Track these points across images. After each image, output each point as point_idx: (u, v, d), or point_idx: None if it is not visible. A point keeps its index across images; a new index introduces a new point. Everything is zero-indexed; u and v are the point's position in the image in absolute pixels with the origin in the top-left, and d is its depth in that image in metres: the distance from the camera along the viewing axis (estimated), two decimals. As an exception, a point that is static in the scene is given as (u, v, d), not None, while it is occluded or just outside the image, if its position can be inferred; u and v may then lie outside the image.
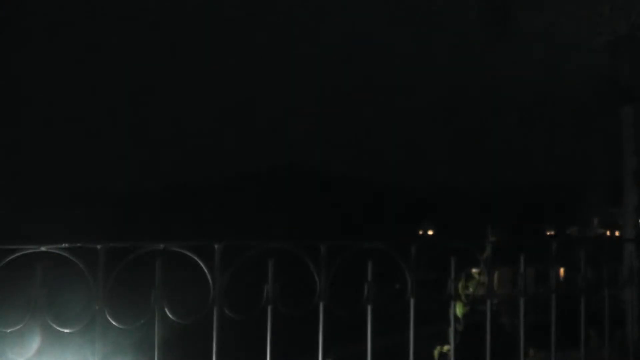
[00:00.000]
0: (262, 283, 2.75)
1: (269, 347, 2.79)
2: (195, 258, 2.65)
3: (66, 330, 2.49)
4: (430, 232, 44.93)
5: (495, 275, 3.47)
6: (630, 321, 7.17)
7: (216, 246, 2.69)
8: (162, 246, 2.63)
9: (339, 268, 2.87)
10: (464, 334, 4.20)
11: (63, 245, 2.51)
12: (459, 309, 4.17)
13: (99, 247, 2.56)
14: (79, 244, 2.53)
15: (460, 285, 4.02)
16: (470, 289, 4.18)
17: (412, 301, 3.01)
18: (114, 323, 2.53)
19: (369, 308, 2.92)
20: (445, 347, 4.29)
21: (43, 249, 2.50)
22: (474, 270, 4.06)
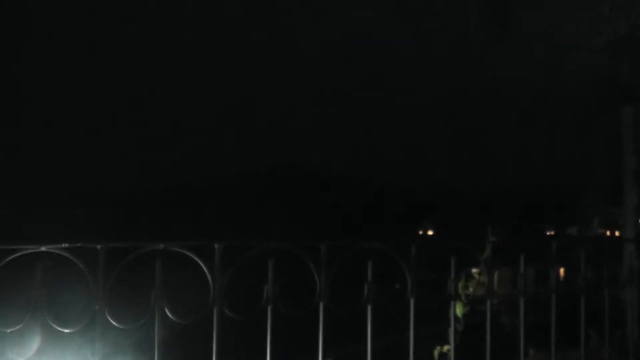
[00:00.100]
0: (262, 283, 2.75)
1: (269, 347, 2.79)
2: (195, 258, 2.65)
3: (66, 330, 2.49)
4: (430, 232, 44.92)
5: (495, 275, 3.47)
6: (630, 321, 7.17)
7: (216, 246, 2.69)
8: (162, 246, 2.63)
9: (339, 268, 2.87)
10: (464, 334, 4.20)
11: (63, 245, 2.51)
12: (459, 309, 4.17)
13: (99, 247, 2.56)
14: (79, 244, 2.53)
15: (460, 285, 4.02)
16: (470, 289, 4.19)
17: (412, 301, 3.01)
18: (114, 323, 2.53)
19: (369, 308, 2.92)
20: (445, 347, 4.29)
21: (43, 249, 2.50)
22: (474, 270, 4.06)
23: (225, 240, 2.71)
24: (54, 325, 2.46)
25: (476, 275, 4.12)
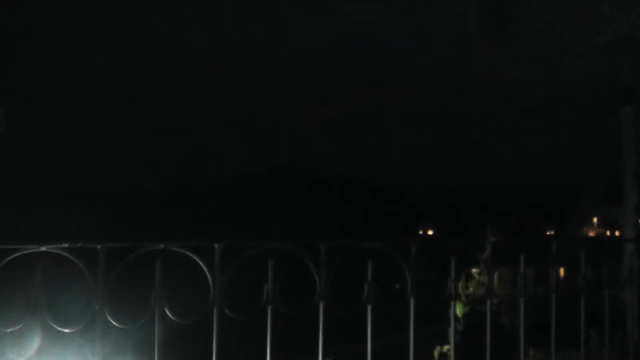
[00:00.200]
0: (262, 283, 2.75)
1: (269, 347, 2.79)
2: (195, 258, 2.65)
3: (66, 330, 2.49)
4: (430, 232, 44.93)
5: (495, 275, 3.47)
6: (630, 321, 7.17)
7: (216, 246, 2.69)
8: (162, 246, 2.63)
9: (339, 268, 2.87)
10: (464, 334, 4.20)
11: (63, 245, 2.51)
12: (459, 309, 4.17)
13: (99, 247, 2.56)
14: (79, 244, 2.53)
15: (460, 285, 4.02)
16: (470, 289, 4.19)
17: (412, 301, 3.01)
18: (114, 323, 2.53)
19: (369, 308, 2.92)
20: (445, 347, 4.29)
21: (43, 249, 2.50)
22: (474, 270, 4.06)
23: (225, 240, 2.71)
24: (54, 325, 2.46)
25: (476, 275, 4.12)
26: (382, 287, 2.92)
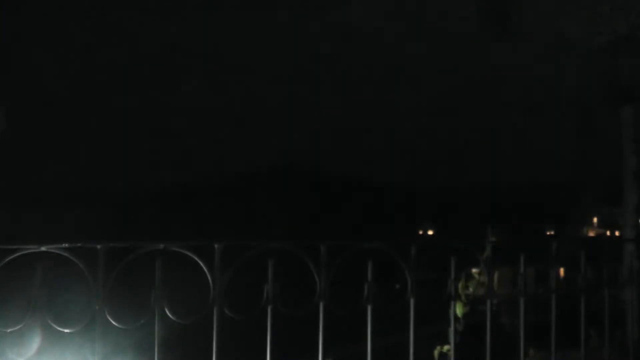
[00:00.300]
0: (262, 283, 2.75)
1: (269, 347, 2.79)
2: (195, 258, 2.65)
3: (66, 330, 2.49)
4: (430, 232, 44.93)
5: (495, 275, 3.47)
6: (630, 321, 7.17)
7: (216, 246, 2.69)
8: (162, 246, 2.63)
9: (339, 268, 2.87)
10: (464, 334, 4.20)
11: (63, 245, 2.51)
12: (459, 309, 4.17)
13: (99, 247, 2.56)
14: (79, 244, 2.53)
15: (460, 285, 4.02)
16: (470, 289, 4.19)
17: (412, 301, 3.01)
18: (114, 323, 2.54)
19: (369, 308, 2.92)
20: (445, 347, 4.29)
21: (43, 249, 2.50)
22: (474, 270, 4.06)
23: (225, 240, 2.72)
24: (54, 325, 2.46)
25: (476, 275, 4.12)
26: (382, 287, 2.92)
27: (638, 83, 9.41)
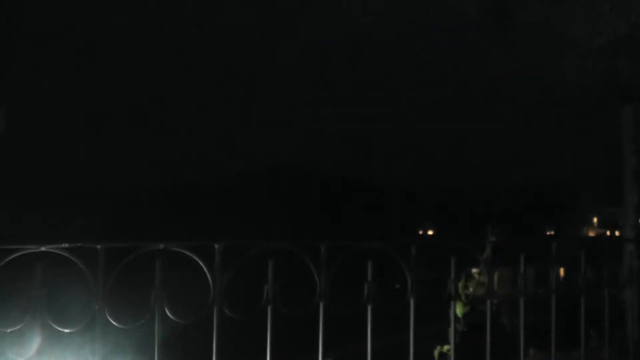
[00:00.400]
0: (262, 283, 2.75)
1: (269, 347, 2.79)
2: (195, 258, 2.65)
3: (66, 330, 2.49)
4: (430, 232, 44.93)
5: (495, 275, 3.47)
6: (630, 321, 7.17)
7: (216, 246, 2.69)
8: (162, 246, 2.63)
9: (339, 268, 2.87)
10: (464, 334, 4.20)
11: (63, 245, 2.51)
12: (459, 309, 4.17)
13: (99, 247, 2.56)
14: (79, 244, 2.53)
15: (460, 285, 4.02)
16: (470, 289, 4.18)
17: (412, 301, 3.01)
18: (114, 323, 2.53)
19: (369, 308, 2.92)
20: (445, 347, 4.28)
21: (43, 249, 2.50)
22: (474, 270, 4.06)
23: (225, 240, 2.71)
24: (54, 325, 2.46)
25: (476, 275, 4.12)
26: (382, 287, 2.92)
27: (638, 83, 9.41)
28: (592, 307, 3.52)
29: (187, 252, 2.65)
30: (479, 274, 3.92)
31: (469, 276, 4.17)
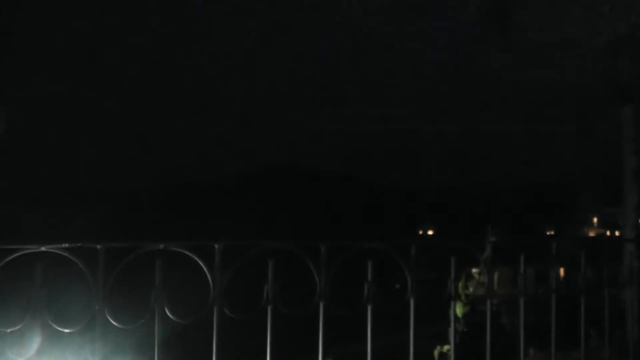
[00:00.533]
0: (262, 283, 2.75)
1: (269, 347, 2.79)
2: (195, 258, 2.65)
3: (66, 330, 2.49)
4: (430, 232, 44.94)
5: (495, 275, 3.47)
6: (630, 321, 7.17)
7: (216, 246, 2.69)
8: (162, 246, 2.63)
9: (339, 268, 2.86)
10: (464, 334, 4.20)
11: (63, 245, 2.51)
12: (459, 309, 4.17)
13: (99, 247, 2.56)
14: (79, 244, 2.53)
15: (460, 285, 4.02)
16: (470, 289, 4.18)
17: (412, 301, 3.01)
18: (114, 323, 2.53)
19: (369, 308, 2.92)
20: (445, 347, 4.28)
21: (43, 249, 2.50)
22: (474, 270, 4.06)
23: (225, 240, 2.71)
24: (54, 325, 2.46)
25: (476, 275, 4.12)
26: (382, 287, 2.92)
27: (638, 83, 9.41)
28: (592, 307, 3.52)
29: (187, 252, 2.65)
30: (479, 274, 3.92)
31: (469, 276, 4.17)
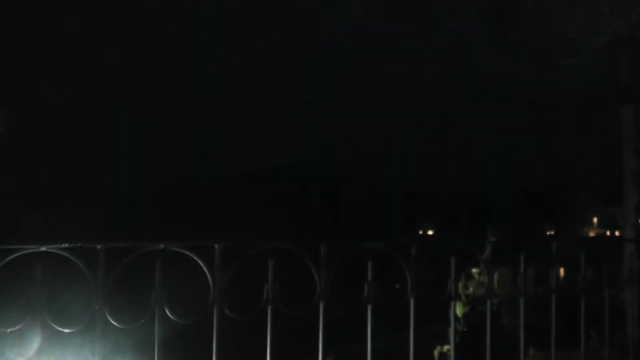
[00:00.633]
0: (262, 283, 2.75)
1: (269, 347, 2.79)
2: (195, 258, 2.65)
3: (66, 330, 2.49)
4: (430, 232, 44.94)
5: (495, 275, 3.47)
6: (630, 321, 7.18)
7: (216, 246, 2.69)
8: (162, 246, 2.63)
9: (339, 268, 2.87)
10: (464, 333, 4.20)
11: (63, 245, 2.51)
12: (459, 309, 4.17)
13: (99, 247, 2.56)
14: (79, 244, 2.53)
15: (460, 285, 4.02)
16: (470, 289, 4.18)
17: (412, 301, 3.01)
18: (114, 323, 2.53)
19: (369, 308, 2.92)
20: (445, 347, 4.28)
21: (43, 249, 2.50)
22: (474, 270, 4.06)
23: (225, 240, 2.71)
24: (54, 325, 2.46)
25: (476, 275, 4.12)
26: (382, 287, 2.92)
27: (638, 83, 9.41)
28: (592, 307, 3.52)
29: (187, 252, 2.65)
30: (479, 274, 3.92)
31: (469, 276, 4.17)
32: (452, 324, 3.43)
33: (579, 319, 3.45)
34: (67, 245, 2.51)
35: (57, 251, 2.51)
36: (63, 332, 2.49)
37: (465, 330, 4.29)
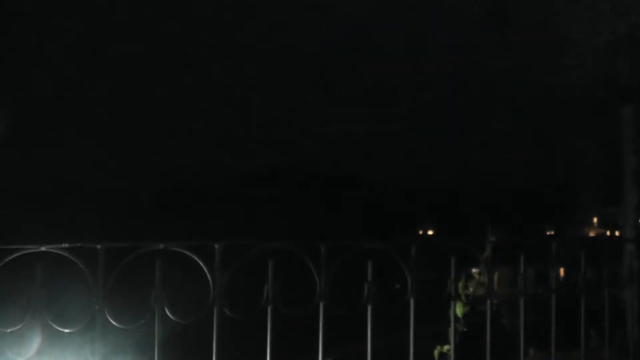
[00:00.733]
0: (262, 283, 2.75)
1: (269, 347, 2.79)
2: (195, 258, 2.65)
3: (66, 330, 2.49)
4: (430, 232, 44.93)
5: (495, 275, 3.47)
6: (630, 321, 7.18)
7: (216, 246, 2.69)
8: (162, 246, 2.63)
9: (339, 268, 2.87)
10: (464, 333, 4.20)
11: (63, 245, 2.51)
12: (459, 309, 4.17)
13: (99, 247, 2.56)
14: (79, 244, 2.53)
15: (460, 285, 4.02)
16: (470, 289, 4.18)
17: (412, 301, 3.01)
18: (114, 323, 2.54)
19: (369, 308, 2.92)
20: (445, 347, 4.28)
21: (43, 249, 2.50)
22: (474, 270, 4.06)
23: (225, 240, 2.71)
24: (54, 325, 2.46)
25: (476, 275, 4.12)
26: (382, 287, 2.92)
27: (638, 83, 9.41)
28: (592, 307, 3.52)
29: (187, 252, 2.65)
30: (479, 274, 3.92)
31: (469, 276, 4.17)
32: (452, 324, 3.43)
33: (579, 319, 3.45)
34: (67, 245, 2.51)
35: (57, 251, 2.51)
36: (63, 332, 2.49)
37: (465, 330, 4.29)
